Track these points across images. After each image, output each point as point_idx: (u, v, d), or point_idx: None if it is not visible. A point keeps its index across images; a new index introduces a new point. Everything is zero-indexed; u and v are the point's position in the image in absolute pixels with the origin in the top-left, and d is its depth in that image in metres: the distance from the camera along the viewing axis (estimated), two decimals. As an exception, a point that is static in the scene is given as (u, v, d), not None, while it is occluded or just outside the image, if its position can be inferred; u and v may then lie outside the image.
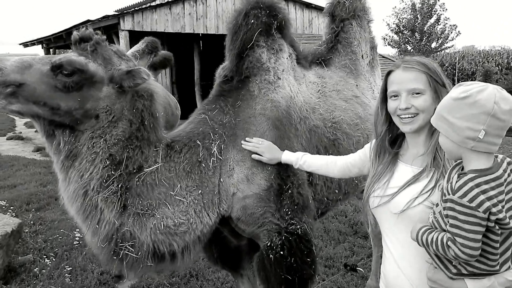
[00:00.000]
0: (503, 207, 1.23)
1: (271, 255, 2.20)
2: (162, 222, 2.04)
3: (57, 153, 1.98)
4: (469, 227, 1.21)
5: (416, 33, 22.53)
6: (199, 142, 2.17)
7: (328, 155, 2.41)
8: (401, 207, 1.47)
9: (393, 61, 16.10)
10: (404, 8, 22.84)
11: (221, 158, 2.19)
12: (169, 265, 2.18)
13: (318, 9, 14.96)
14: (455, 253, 1.25)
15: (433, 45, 22.70)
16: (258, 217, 2.23)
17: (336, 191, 2.56)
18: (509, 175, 1.28)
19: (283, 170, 2.25)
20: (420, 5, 22.34)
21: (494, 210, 1.20)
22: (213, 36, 13.11)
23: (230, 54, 2.44)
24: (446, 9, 22.15)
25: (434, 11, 22.22)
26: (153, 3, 12.81)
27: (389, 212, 1.53)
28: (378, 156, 1.63)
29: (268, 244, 2.22)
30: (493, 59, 24.93)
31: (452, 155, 1.35)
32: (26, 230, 5.03)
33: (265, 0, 2.43)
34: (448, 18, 22.07)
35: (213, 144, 2.18)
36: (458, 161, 1.36)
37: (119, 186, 1.98)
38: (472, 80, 23.79)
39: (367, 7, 3.27)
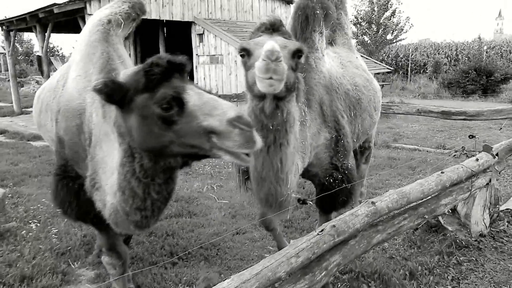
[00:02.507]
0: None
1: (333, 184, 2.99)
2: (297, 167, 2.66)
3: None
4: None
5: (373, 24, 23.52)
6: (300, 104, 2.71)
7: (355, 111, 3.25)
8: None
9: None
10: (362, 0, 23.76)
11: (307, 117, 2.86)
12: None
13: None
14: None
15: (389, 36, 23.79)
16: (323, 160, 2.99)
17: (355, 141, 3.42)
18: None
19: (337, 123, 2.99)
20: (377, -2, 23.34)
21: None
22: (178, 23, 13.35)
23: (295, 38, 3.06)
24: (401, 3, 23.30)
25: (390, 4, 23.29)
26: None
27: None
28: None
29: (329, 179, 2.99)
30: (443, 51, 26.49)
31: None
32: (6, 202, 5.34)
33: None
34: (403, 11, 23.24)
35: (303, 106, 2.82)
36: None
37: None
38: (423, 70, 25.37)
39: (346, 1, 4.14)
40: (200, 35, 13.14)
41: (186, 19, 13.01)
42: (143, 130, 1.78)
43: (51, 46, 40.14)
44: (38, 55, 13.71)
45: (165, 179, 1.96)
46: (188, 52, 12.67)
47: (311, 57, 3.02)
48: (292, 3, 15.52)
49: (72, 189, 2.60)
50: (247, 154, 1.71)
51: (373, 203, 2.84)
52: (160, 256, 3.99)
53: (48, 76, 13.50)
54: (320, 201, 3.07)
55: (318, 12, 3.07)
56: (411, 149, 8.37)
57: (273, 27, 2.40)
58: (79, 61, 2.65)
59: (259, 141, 1.69)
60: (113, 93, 1.75)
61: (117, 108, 1.83)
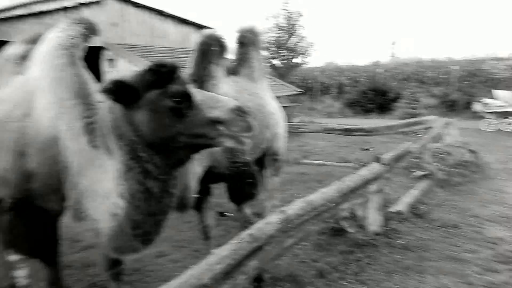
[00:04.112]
0: None
1: (237, 179, 3.58)
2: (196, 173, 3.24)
3: None
4: None
5: (281, 49, 24.94)
6: None
7: None
8: None
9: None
10: (270, 27, 25.12)
11: None
12: None
13: (194, 25, 15.64)
14: None
15: (296, 60, 25.37)
16: (224, 162, 3.53)
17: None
18: None
19: None
20: (284, 24, 24.83)
21: None
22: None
23: (196, 68, 3.69)
24: (305, 29, 25.04)
25: (295, 30, 24.90)
26: (21, 12, 12.41)
27: None
28: None
29: (235, 175, 3.58)
30: (346, 73, 28.82)
31: None
32: None
33: (215, 36, 3.82)
34: (305, 37, 25.02)
35: None
36: None
37: None
38: (329, 91, 27.33)
39: (261, 39, 4.85)
40: (111, 61, 12.98)
41: (95, 44, 12.80)
42: (154, 122, 1.99)
43: None
44: None
45: (177, 174, 2.16)
46: (98, 77, 12.46)
47: (208, 84, 3.64)
48: (205, 28, 15.88)
49: (28, 224, 2.55)
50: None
51: (283, 211, 3.27)
52: None
53: None
54: (231, 196, 3.74)
55: (213, 48, 3.73)
56: (319, 164, 9.15)
57: None
58: (48, 88, 2.56)
59: (255, 126, 2.06)
60: (122, 91, 1.94)
61: (122, 107, 2.01)
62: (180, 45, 15.24)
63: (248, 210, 3.96)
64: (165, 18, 14.83)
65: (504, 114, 13.94)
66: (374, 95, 20.46)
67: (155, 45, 14.40)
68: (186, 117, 2.00)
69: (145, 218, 2.16)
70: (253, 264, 3.01)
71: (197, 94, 2.06)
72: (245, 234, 2.89)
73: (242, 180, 3.63)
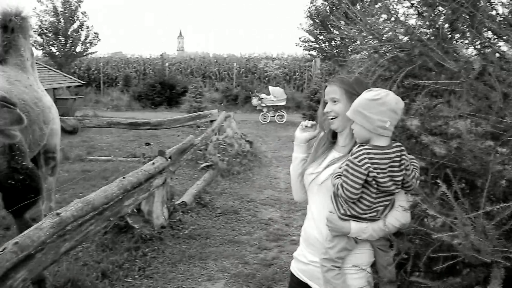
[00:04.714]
0: (382, 171, 1.69)
1: (19, 183, 3.21)
2: None
3: None
4: (352, 177, 1.70)
5: (60, 36, 22.62)
6: None
7: None
8: (322, 180, 1.91)
9: (41, 64, 15.82)
10: (45, 10, 22.45)
11: None
12: None
13: None
14: (341, 192, 1.73)
15: (78, 49, 23.43)
16: (0, 166, 3.13)
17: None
18: (397, 157, 1.73)
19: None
20: (62, 9, 22.57)
21: (372, 169, 1.68)
22: None
23: None
24: (88, 18, 23.37)
25: (77, 17, 22.97)
26: None
27: (315, 183, 1.94)
28: (320, 145, 2.03)
29: (11, 182, 3.20)
30: (132, 65, 28.28)
31: (363, 139, 1.78)
32: None
33: None
34: (92, 26, 23.47)
35: None
36: (362, 143, 1.79)
37: None
38: (115, 83, 26.34)
39: (29, 26, 4.36)
40: None
41: None
42: None
43: None
44: None
45: None
46: None
47: None
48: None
49: None
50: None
51: (58, 214, 2.99)
52: None
53: None
54: (9, 206, 3.24)
55: None
56: (105, 160, 8.75)
57: None
58: None
59: (25, 117, 1.86)
60: None
61: None
62: None
63: (27, 215, 3.49)
64: None
65: (277, 108, 16.12)
66: (162, 88, 20.68)
67: None
68: None
69: None
70: (20, 276, 2.66)
71: None
72: (9, 244, 2.53)
73: (22, 185, 3.20)
